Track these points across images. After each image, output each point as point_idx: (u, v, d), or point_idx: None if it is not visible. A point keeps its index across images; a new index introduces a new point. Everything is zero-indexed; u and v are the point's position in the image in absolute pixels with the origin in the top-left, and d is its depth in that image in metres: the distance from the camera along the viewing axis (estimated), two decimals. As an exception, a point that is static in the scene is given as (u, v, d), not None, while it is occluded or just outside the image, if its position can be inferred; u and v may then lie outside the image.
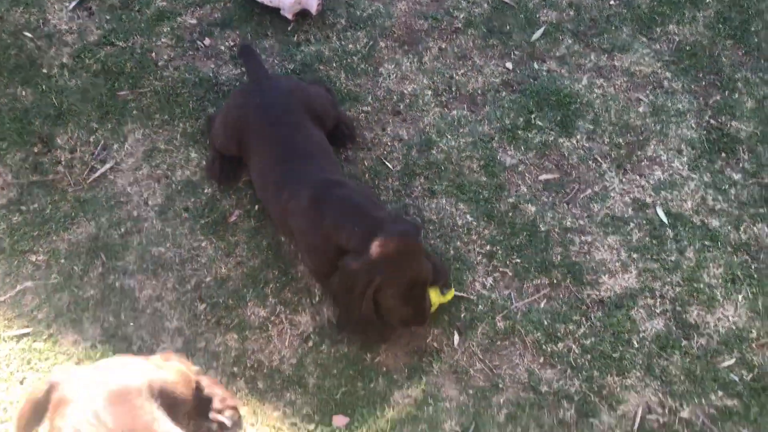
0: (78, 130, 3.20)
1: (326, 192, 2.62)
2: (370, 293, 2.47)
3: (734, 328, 2.75)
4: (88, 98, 3.28)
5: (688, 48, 3.46)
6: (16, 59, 3.38)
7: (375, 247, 2.43)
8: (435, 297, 2.65)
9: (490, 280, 2.86)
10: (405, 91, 3.34)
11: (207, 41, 3.47)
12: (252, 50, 3.22)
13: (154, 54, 3.43)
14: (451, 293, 2.74)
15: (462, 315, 2.79)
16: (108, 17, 3.51)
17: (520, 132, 3.21)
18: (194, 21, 3.52)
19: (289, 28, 3.51)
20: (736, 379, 2.65)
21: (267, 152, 2.80)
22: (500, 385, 2.65)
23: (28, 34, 3.45)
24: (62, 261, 2.89)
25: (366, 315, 2.53)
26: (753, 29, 3.51)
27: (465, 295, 2.82)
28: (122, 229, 2.97)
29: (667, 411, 2.60)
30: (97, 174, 3.10)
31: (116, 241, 2.94)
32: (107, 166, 3.12)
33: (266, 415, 2.59)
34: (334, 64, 3.40)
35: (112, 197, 3.05)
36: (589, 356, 2.70)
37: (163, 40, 3.47)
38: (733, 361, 2.69)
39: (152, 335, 2.75)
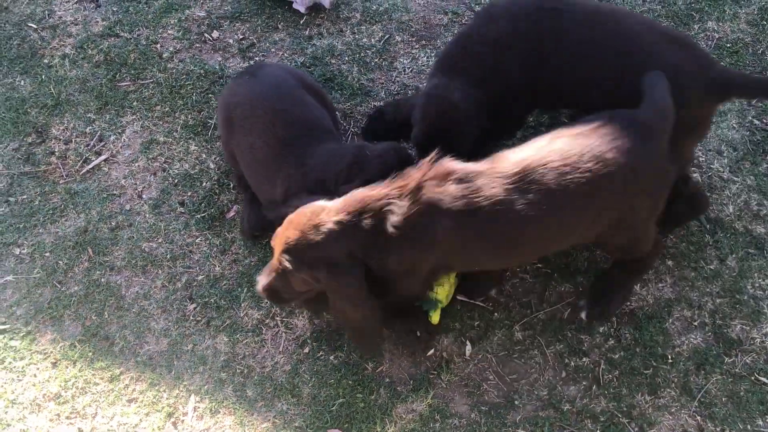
0: (75, 121, 3.04)
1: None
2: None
3: (783, 345, 2.44)
4: (88, 89, 3.13)
5: (729, 45, 3.19)
6: (18, 50, 3.25)
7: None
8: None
9: (508, 285, 2.60)
10: (421, 86, 3.12)
11: (215, 34, 3.31)
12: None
13: (159, 46, 3.27)
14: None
15: (476, 323, 2.52)
16: (115, 9, 3.37)
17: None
18: (203, 13, 3.37)
19: (301, 22, 3.33)
20: (787, 402, 2.33)
21: (257, 133, 2.47)
22: (516, 402, 2.37)
23: (33, 25, 3.33)
24: (47, 255, 2.70)
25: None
26: (801, 27, 3.24)
27: (479, 303, 2.55)
28: (113, 223, 2.78)
29: (706, 436, 2.29)
30: (90, 165, 2.92)
31: (105, 235, 2.75)
32: (102, 157, 2.95)
33: (254, 427, 2.34)
34: (347, 58, 3.20)
35: (105, 189, 2.86)
36: (617, 372, 2.41)
37: (169, 32, 3.31)
38: (782, 382, 2.37)
39: (137, 335, 2.54)
